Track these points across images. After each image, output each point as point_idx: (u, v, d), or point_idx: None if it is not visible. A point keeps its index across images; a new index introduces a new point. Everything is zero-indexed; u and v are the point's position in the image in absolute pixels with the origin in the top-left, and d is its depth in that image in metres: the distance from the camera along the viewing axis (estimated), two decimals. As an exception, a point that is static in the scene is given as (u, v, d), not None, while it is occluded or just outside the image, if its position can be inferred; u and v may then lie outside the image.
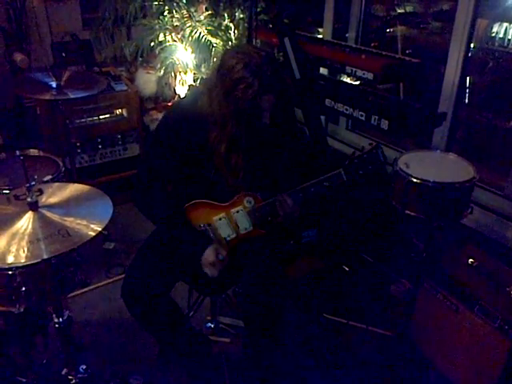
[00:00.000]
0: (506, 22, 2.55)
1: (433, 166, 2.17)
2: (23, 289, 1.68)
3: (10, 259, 1.44)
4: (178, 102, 1.95)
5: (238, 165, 1.73)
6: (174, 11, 3.20)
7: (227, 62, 1.61)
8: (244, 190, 1.80)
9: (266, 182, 1.85)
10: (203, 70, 3.27)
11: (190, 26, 3.14)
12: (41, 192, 1.68)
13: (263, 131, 1.71)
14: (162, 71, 3.23)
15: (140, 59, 3.37)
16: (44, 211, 1.61)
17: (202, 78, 3.25)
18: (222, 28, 3.23)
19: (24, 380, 1.96)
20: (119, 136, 3.44)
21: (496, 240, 2.46)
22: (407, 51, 3.19)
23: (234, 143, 1.69)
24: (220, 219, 1.82)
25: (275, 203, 1.74)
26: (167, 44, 3.24)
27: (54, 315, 1.81)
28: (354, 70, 2.51)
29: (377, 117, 2.36)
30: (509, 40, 2.58)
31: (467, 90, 2.78)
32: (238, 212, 1.80)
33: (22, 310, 1.71)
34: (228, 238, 1.82)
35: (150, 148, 1.87)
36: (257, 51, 1.62)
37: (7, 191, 2.01)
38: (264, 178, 1.84)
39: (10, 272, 1.66)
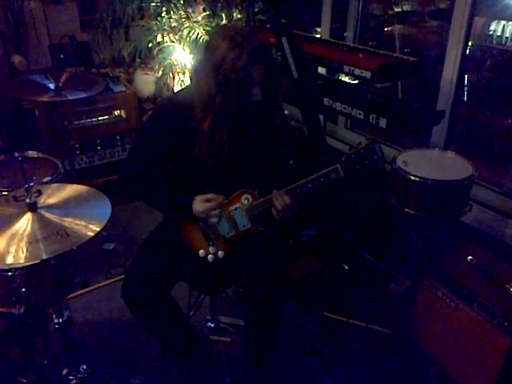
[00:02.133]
0: (504, 19, 2.55)
1: (431, 164, 2.18)
2: (23, 290, 1.69)
3: (10, 260, 1.44)
4: (169, 96, 1.96)
5: (221, 140, 1.70)
6: (172, 12, 3.20)
7: (212, 42, 1.63)
8: (233, 184, 1.80)
9: (260, 178, 1.84)
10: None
11: (187, 27, 3.14)
12: (39, 193, 1.68)
13: (251, 109, 1.69)
14: (160, 72, 3.24)
15: (138, 60, 3.38)
16: (43, 212, 1.62)
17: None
18: (220, 28, 3.24)
19: (25, 381, 1.96)
20: (118, 137, 3.45)
21: (495, 237, 2.46)
22: (405, 50, 3.20)
23: (219, 118, 1.67)
24: (218, 217, 1.82)
25: (273, 200, 1.74)
26: (165, 45, 3.24)
27: (54, 316, 1.82)
28: (351, 69, 2.51)
29: (375, 115, 2.36)
30: (506, 38, 2.59)
31: (465, 88, 2.78)
32: (235, 210, 1.81)
33: (22, 311, 1.72)
34: (227, 236, 1.83)
35: (140, 138, 1.88)
36: (240, 26, 1.64)
37: (6, 193, 2.02)
38: (256, 173, 1.84)
39: (10, 273, 1.67)
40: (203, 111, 1.67)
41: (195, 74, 1.72)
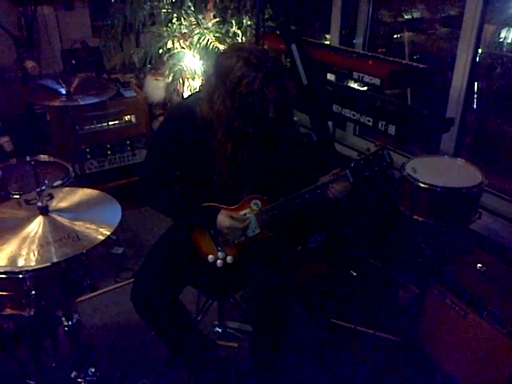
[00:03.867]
0: (515, 27, 2.55)
1: (441, 171, 2.17)
2: (33, 292, 1.70)
3: (21, 262, 1.46)
4: (180, 103, 1.97)
5: (243, 161, 1.74)
6: (183, 19, 3.23)
7: (225, 63, 1.61)
8: (247, 191, 1.82)
9: (270, 184, 1.86)
10: (211, 76, 3.29)
11: (198, 33, 3.16)
12: (51, 197, 1.70)
13: (268, 126, 1.72)
14: (171, 78, 3.26)
15: (149, 66, 3.40)
16: (54, 215, 1.63)
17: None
18: (230, 35, 3.26)
19: (33, 383, 1.97)
20: (128, 142, 3.47)
21: (504, 245, 2.44)
22: (415, 57, 3.19)
23: (241, 140, 1.70)
24: (227, 223, 1.83)
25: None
26: (175, 51, 3.26)
27: (63, 319, 1.83)
28: (361, 75, 2.51)
29: (384, 122, 2.36)
30: (517, 45, 2.58)
31: (475, 96, 2.78)
32: (245, 215, 1.82)
33: (31, 313, 1.72)
34: (236, 241, 1.83)
35: (152, 147, 1.90)
36: (253, 46, 1.64)
37: (18, 196, 2.04)
38: (268, 179, 1.85)
39: (21, 276, 1.68)
40: (223, 133, 1.69)
41: (207, 93, 1.70)
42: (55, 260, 1.48)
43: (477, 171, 2.12)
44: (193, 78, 3.32)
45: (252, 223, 1.82)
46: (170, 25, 3.26)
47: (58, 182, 2.26)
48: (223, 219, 1.76)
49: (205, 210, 1.80)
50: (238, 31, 3.28)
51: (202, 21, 3.24)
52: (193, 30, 3.20)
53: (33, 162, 2.35)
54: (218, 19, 3.26)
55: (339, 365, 2.28)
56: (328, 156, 2.88)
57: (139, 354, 2.31)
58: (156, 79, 3.55)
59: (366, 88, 2.73)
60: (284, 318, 1.82)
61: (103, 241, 1.55)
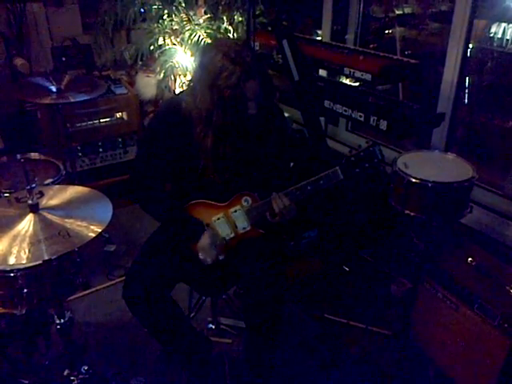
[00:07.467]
0: (504, 22, 2.56)
1: (432, 166, 2.18)
2: (25, 291, 1.69)
3: (12, 260, 1.45)
4: (170, 98, 1.98)
5: (225, 156, 1.74)
6: (174, 15, 3.21)
7: (206, 56, 1.64)
8: (237, 188, 1.81)
9: (260, 180, 1.86)
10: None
11: (189, 30, 3.15)
12: (41, 194, 1.69)
13: (250, 122, 1.72)
14: (162, 74, 3.24)
15: (140, 63, 3.38)
16: (45, 213, 1.62)
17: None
18: (221, 31, 3.25)
19: (26, 382, 1.97)
20: (119, 139, 3.47)
21: (495, 239, 2.46)
22: (406, 52, 3.20)
23: (221, 134, 1.71)
24: (218, 219, 1.83)
25: (272, 202, 1.74)
26: (167, 47, 3.25)
27: (55, 317, 1.83)
28: (352, 71, 2.52)
29: (375, 117, 2.37)
30: (507, 40, 2.59)
31: (466, 90, 2.79)
32: (235, 212, 1.82)
33: (23, 311, 1.72)
34: (227, 238, 1.83)
35: (143, 144, 1.91)
36: (234, 41, 1.66)
37: (8, 194, 2.03)
38: (256, 176, 1.85)
39: (12, 274, 1.68)
40: (203, 127, 1.70)
41: (193, 86, 1.73)
42: (46, 258, 1.47)
43: (468, 166, 2.13)
44: (184, 75, 3.31)
45: (242, 220, 1.82)
46: (160, 21, 3.24)
47: (49, 180, 2.25)
48: (204, 239, 1.79)
49: (191, 223, 1.81)
50: (230, 27, 3.27)
51: (193, 17, 3.22)
52: (184, 27, 3.18)
53: (23, 160, 2.33)
54: (209, 15, 3.25)
55: (332, 359, 2.29)
56: (320, 152, 2.89)
57: (132, 351, 2.31)
58: (147, 76, 3.53)
59: (357, 83, 2.74)
60: (277, 313, 1.82)
61: (94, 238, 1.54)
